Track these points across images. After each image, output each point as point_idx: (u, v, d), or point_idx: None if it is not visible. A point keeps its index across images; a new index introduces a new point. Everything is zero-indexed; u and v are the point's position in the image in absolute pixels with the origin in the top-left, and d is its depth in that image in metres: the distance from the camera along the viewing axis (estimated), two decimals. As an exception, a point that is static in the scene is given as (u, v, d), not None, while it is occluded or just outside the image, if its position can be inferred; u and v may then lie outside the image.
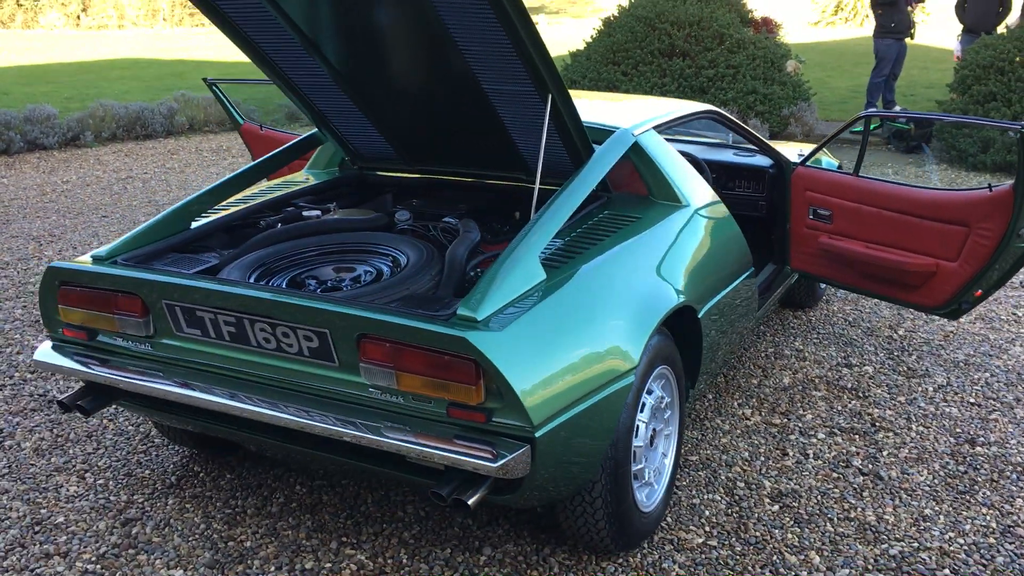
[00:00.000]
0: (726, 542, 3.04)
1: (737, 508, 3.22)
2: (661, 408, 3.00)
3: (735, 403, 3.99)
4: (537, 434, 2.37)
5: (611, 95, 3.86)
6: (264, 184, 3.80)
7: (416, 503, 3.25)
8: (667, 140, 3.60)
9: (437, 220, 3.40)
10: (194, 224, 3.23)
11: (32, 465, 3.52)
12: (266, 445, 2.87)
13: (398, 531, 3.10)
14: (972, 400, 4.01)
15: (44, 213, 7.41)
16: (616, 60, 9.92)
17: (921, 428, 3.77)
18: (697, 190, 3.50)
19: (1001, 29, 9.97)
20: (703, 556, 2.97)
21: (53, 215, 7.34)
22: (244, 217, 3.36)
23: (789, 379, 4.22)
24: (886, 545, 3.02)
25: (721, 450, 3.60)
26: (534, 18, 2.85)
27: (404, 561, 2.95)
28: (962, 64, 9.19)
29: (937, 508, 3.22)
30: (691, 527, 3.12)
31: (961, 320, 4.90)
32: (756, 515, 3.18)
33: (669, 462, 3.12)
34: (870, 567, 2.91)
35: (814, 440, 3.67)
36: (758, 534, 3.08)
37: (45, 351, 2.96)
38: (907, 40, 10.78)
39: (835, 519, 3.16)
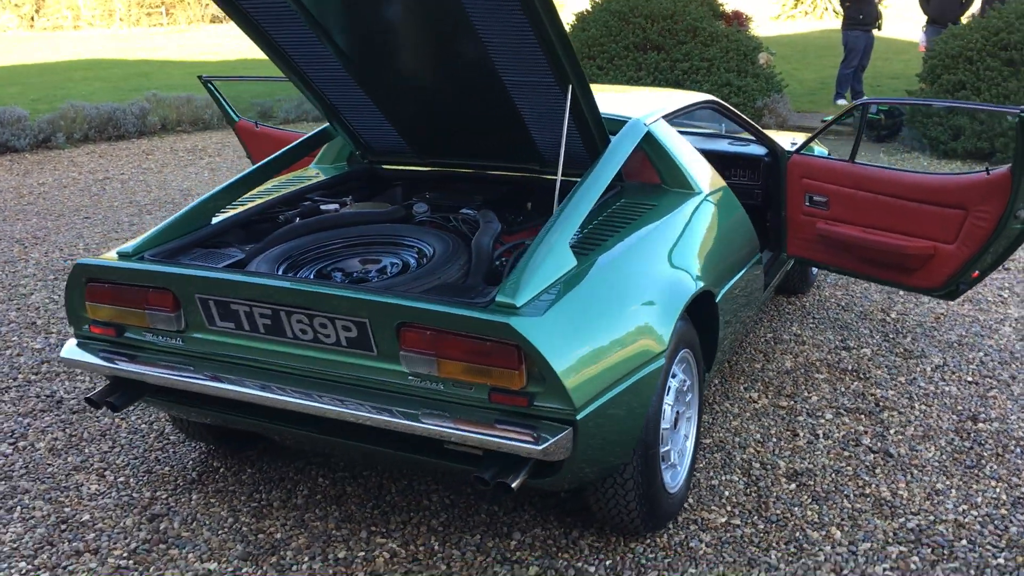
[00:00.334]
0: (748, 520, 3.11)
1: (755, 488, 3.30)
2: (683, 391, 3.07)
3: (741, 387, 4.07)
4: (578, 416, 2.42)
5: (613, 87, 3.91)
6: (274, 180, 3.80)
7: (440, 492, 3.29)
8: None
9: (454, 212, 3.44)
10: (213, 220, 3.24)
11: (49, 465, 3.50)
12: (299, 437, 2.89)
13: (426, 519, 3.14)
14: (970, 379, 4.13)
15: (24, 215, 7.32)
16: (591, 55, 10.00)
17: (924, 407, 3.87)
18: (706, 177, 3.57)
19: (965, 19, 10.19)
20: (728, 535, 3.04)
21: (34, 217, 7.26)
22: (262, 212, 3.37)
23: (791, 363, 4.31)
24: (903, 519, 3.11)
25: (733, 432, 3.68)
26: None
27: (436, 548, 2.98)
28: (931, 54, 9.37)
29: (948, 482, 3.31)
30: (713, 507, 3.19)
31: (950, 303, 5.03)
32: (775, 494, 3.26)
33: (690, 444, 3.18)
34: (890, 540, 2.99)
35: (822, 420, 3.76)
36: (778, 512, 3.15)
37: (71, 348, 2.96)
38: (873, 32, 10.99)
39: (851, 495, 3.24)
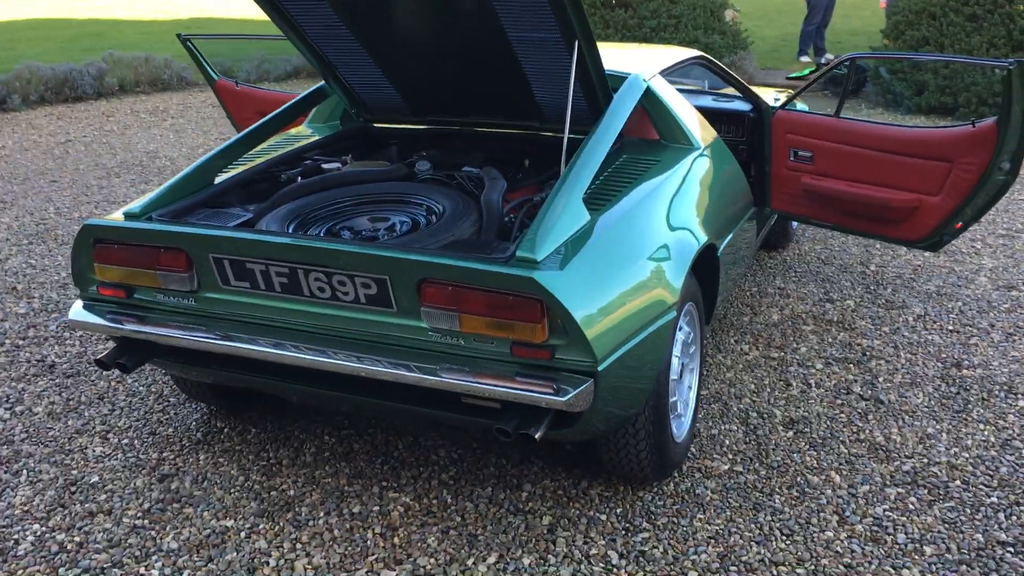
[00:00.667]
0: (750, 467, 3.20)
1: (754, 436, 3.39)
2: (688, 343, 3.14)
3: (732, 340, 4.15)
4: (600, 368, 2.47)
5: (604, 43, 3.92)
6: (268, 140, 3.77)
7: (448, 447, 3.33)
8: None
9: (456, 169, 3.45)
10: (215, 181, 3.22)
11: (50, 429, 3.48)
12: (314, 395, 2.91)
13: (435, 473, 3.18)
14: (951, 328, 4.25)
15: (-12, 179, 7.17)
16: (559, 12, 9.94)
17: (909, 355, 3.99)
18: (702, 132, 3.62)
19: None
20: (732, 481, 3.13)
21: (-2, 181, 7.11)
22: (263, 171, 3.35)
23: (777, 315, 4.40)
24: (898, 462, 3.22)
25: (728, 384, 3.76)
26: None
27: (449, 501, 3.03)
28: (894, 10, 9.48)
29: (938, 427, 3.43)
30: (715, 455, 3.27)
31: (925, 254, 5.16)
32: (773, 441, 3.35)
33: (693, 395, 3.26)
34: (888, 483, 3.10)
35: (813, 370, 3.86)
36: (778, 459, 3.25)
37: (78, 310, 2.94)
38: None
39: (847, 441, 3.35)
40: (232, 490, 3.10)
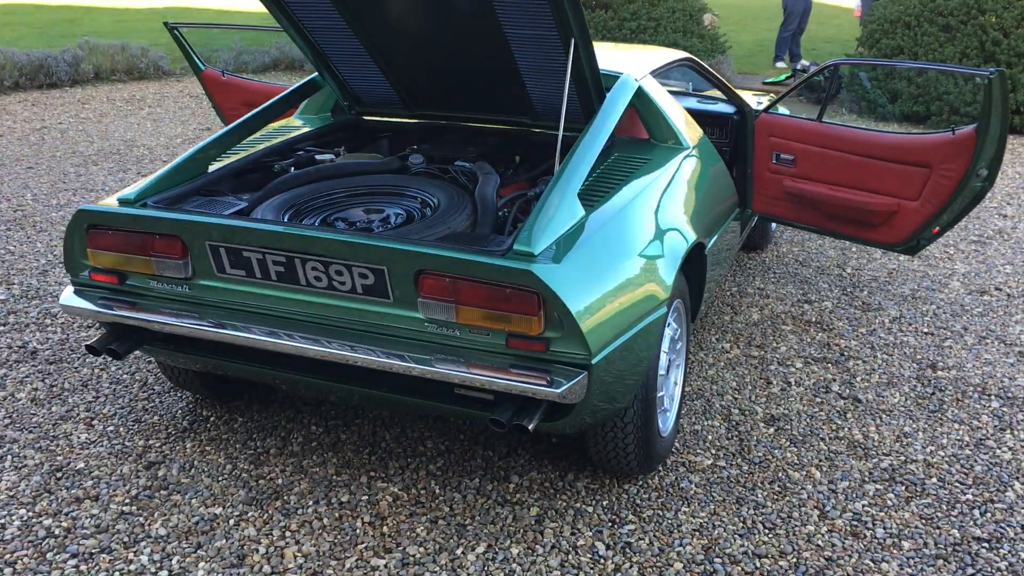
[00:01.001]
0: (733, 462, 3.26)
1: (736, 432, 3.45)
2: (675, 339, 3.19)
3: (713, 338, 4.22)
4: (593, 361, 2.51)
5: (595, 43, 3.96)
6: (261, 130, 3.78)
7: (435, 438, 3.36)
8: None
9: (448, 163, 3.47)
10: (208, 169, 3.22)
11: (34, 415, 3.47)
12: (306, 385, 2.92)
13: (423, 464, 3.21)
14: (926, 330, 4.34)
15: (-37, 164, 7.08)
16: (539, 11, 9.99)
17: (885, 356, 4.07)
18: (690, 132, 3.67)
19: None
20: (715, 476, 3.18)
21: (-27, 166, 7.03)
22: (256, 161, 3.36)
23: (757, 315, 4.47)
24: (876, 459, 3.29)
25: (710, 381, 3.82)
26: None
27: (437, 491, 3.06)
28: (870, 19, 9.62)
29: (915, 426, 3.51)
30: (698, 451, 3.33)
31: (900, 258, 5.26)
32: (755, 438, 3.41)
33: (678, 391, 3.31)
34: (866, 479, 3.17)
35: (792, 369, 3.93)
36: (760, 454, 3.31)
37: (69, 296, 2.93)
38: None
39: (827, 438, 3.42)
40: (220, 478, 3.11)
